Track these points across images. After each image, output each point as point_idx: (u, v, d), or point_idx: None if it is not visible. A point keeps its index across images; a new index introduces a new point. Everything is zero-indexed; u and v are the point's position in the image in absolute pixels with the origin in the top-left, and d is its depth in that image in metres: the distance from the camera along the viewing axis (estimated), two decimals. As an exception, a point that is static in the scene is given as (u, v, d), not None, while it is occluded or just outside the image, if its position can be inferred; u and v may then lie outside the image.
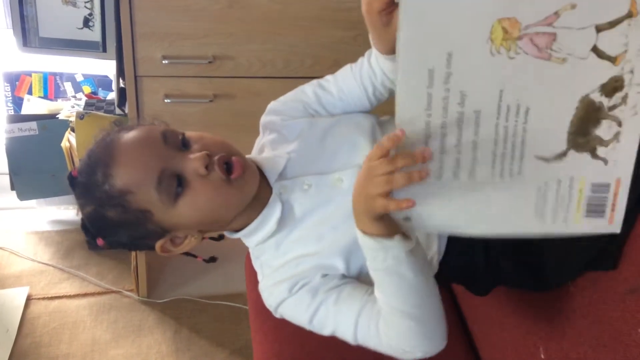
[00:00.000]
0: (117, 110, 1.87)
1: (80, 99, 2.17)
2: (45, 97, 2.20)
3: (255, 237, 0.94)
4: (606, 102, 0.71)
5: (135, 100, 1.65)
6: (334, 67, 1.03)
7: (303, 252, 0.91)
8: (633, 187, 0.73)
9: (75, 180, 0.90)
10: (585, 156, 0.73)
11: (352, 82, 0.99)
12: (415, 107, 0.70)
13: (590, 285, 0.87)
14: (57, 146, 1.92)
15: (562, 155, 0.72)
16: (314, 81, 1.03)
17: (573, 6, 0.69)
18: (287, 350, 1.20)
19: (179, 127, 0.91)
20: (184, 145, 0.87)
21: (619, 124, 0.72)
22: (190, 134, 0.89)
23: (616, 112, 0.72)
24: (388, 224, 0.75)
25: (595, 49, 0.70)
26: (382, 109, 1.00)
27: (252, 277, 1.34)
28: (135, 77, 1.63)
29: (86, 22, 1.79)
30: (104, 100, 2.07)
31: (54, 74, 2.20)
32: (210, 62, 1.65)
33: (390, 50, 0.87)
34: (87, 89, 2.22)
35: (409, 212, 0.73)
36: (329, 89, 1.01)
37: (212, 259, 1.08)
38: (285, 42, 1.67)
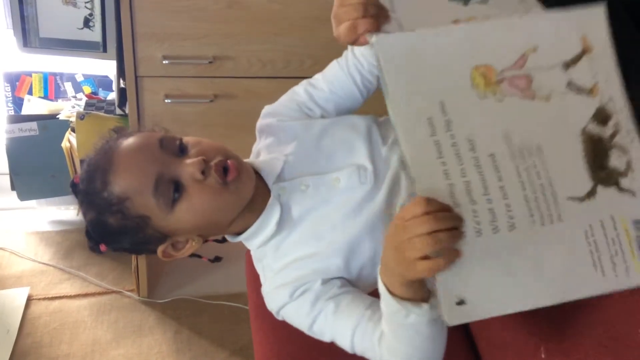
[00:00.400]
0: (118, 111, 1.87)
1: (80, 99, 2.17)
2: (46, 97, 2.20)
3: (256, 240, 0.94)
4: (604, 131, 0.72)
5: (135, 100, 1.65)
6: (333, 67, 1.03)
7: (303, 254, 0.91)
8: None
9: (77, 187, 0.92)
10: (613, 191, 0.71)
11: (340, 74, 1.01)
12: (427, 158, 0.68)
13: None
14: (58, 146, 1.92)
15: (592, 193, 0.71)
16: (304, 81, 1.04)
17: (535, 49, 0.72)
18: (287, 350, 1.20)
19: (179, 127, 0.92)
20: (181, 150, 0.88)
21: (625, 152, 0.72)
22: (187, 139, 0.90)
23: (617, 139, 0.72)
24: (418, 288, 0.72)
25: (570, 84, 0.72)
26: (380, 110, 1.00)
27: (252, 277, 1.34)
28: (136, 77, 1.63)
29: (86, 22, 1.79)
30: (105, 101, 2.07)
31: (54, 74, 2.19)
32: (210, 63, 1.64)
33: None
34: (87, 89, 2.22)
35: (462, 291, 0.66)
36: (319, 85, 1.02)
37: (217, 259, 1.09)
38: (285, 42, 1.67)
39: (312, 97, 1.02)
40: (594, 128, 0.72)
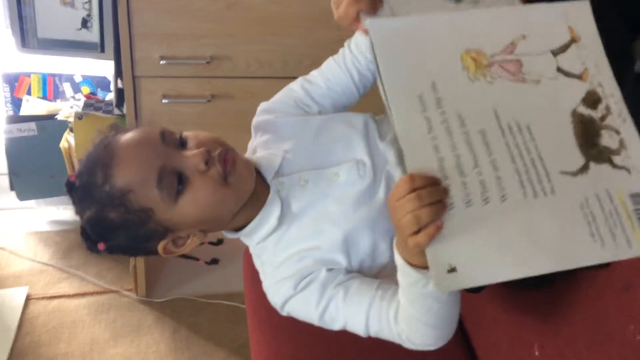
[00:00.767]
0: (116, 111, 1.88)
1: (79, 100, 2.17)
2: (44, 97, 2.20)
3: (257, 235, 0.94)
4: (594, 114, 0.74)
5: (133, 100, 1.65)
6: (331, 67, 1.04)
7: (304, 247, 0.91)
8: None
9: (73, 185, 0.90)
10: (607, 167, 0.73)
11: (338, 70, 1.01)
12: (418, 133, 0.69)
13: (585, 283, 0.87)
14: (56, 147, 1.93)
15: (585, 168, 0.72)
16: (300, 78, 1.05)
17: (524, 37, 0.75)
18: (284, 349, 1.20)
19: (176, 127, 0.92)
20: (182, 144, 0.89)
21: (617, 132, 0.74)
22: (186, 133, 0.90)
23: (609, 122, 0.74)
24: None
25: (560, 70, 0.75)
26: (377, 109, 1.01)
27: (250, 275, 1.34)
28: (133, 77, 1.63)
29: (84, 23, 1.80)
30: (103, 101, 2.07)
31: (53, 75, 2.20)
32: (208, 63, 1.65)
33: None
34: (85, 90, 2.22)
35: (453, 259, 0.66)
36: (316, 81, 1.03)
37: (214, 261, 1.09)
38: (283, 42, 1.68)
39: (309, 93, 1.02)
40: (585, 110, 0.74)
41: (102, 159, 0.86)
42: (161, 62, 1.61)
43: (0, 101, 2.20)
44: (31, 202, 2.27)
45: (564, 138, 0.73)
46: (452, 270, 0.66)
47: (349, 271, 0.91)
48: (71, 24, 1.80)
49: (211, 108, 1.71)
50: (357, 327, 0.87)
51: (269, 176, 0.93)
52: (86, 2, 1.77)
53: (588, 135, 0.73)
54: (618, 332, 0.80)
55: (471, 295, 1.09)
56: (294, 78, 1.06)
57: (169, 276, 2.08)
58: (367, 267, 0.92)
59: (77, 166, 1.69)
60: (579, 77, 0.75)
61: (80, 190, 0.89)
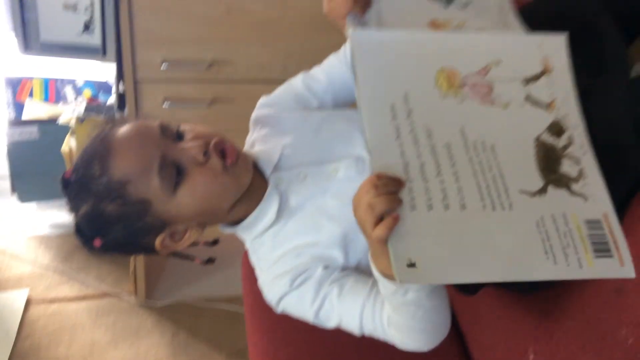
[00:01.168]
0: (117, 114, 1.89)
1: (80, 103, 2.18)
2: (46, 101, 2.21)
3: (255, 229, 0.94)
4: (557, 142, 0.77)
5: (134, 104, 1.66)
6: (331, 71, 1.05)
7: (301, 242, 0.91)
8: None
9: (68, 181, 0.89)
10: (565, 192, 0.75)
11: (338, 65, 1.02)
12: (386, 138, 0.73)
13: (578, 287, 0.87)
14: (58, 150, 1.94)
15: (544, 190, 0.75)
16: (301, 73, 1.05)
17: (498, 62, 0.80)
18: (282, 351, 1.20)
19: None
20: (179, 136, 0.89)
21: (578, 162, 0.77)
22: (184, 126, 0.90)
23: (570, 151, 0.77)
24: None
25: (529, 98, 0.79)
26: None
27: (249, 278, 1.34)
28: (135, 81, 1.64)
29: (86, 27, 1.81)
30: (104, 105, 2.08)
31: (55, 79, 2.21)
32: (209, 67, 1.66)
33: None
34: (87, 93, 2.23)
35: (413, 255, 0.68)
36: (317, 76, 1.04)
37: (210, 260, 1.08)
38: (283, 47, 1.69)
39: (310, 87, 1.03)
40: (548, 138, 0.77)
41: (99, 152, 0.86)
42: (162, 66, 1.62)
43: (2, 105, 2.21)
44: (32, 206, 2.27)
45: (525, 161, 0.76)
46: (412, 265, 0.68)
47: (345, 268, 0.91)
48: (73, 28, 1.81)
49: (212, 112, 1.72)
50: (351, 326, 0.87)
51: (267, 170, 0.93)
52: (88, 6, 1.78)
53: (549, 161, 0.76)
54: (610, 336, 0.80)
55: (468, 299, 1.09)
56: (295, 82, 1.07)
57: (168, 280, 2.09)
58: (365, 265, 0.91)
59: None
60: (547, 106, 0.79)
61: (76, 185, 0.88)
